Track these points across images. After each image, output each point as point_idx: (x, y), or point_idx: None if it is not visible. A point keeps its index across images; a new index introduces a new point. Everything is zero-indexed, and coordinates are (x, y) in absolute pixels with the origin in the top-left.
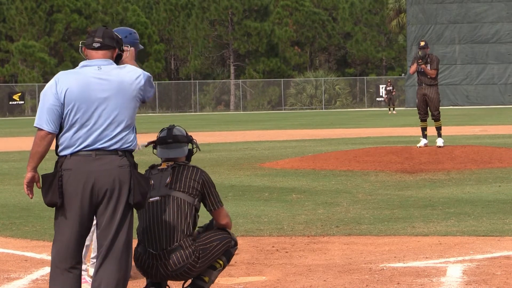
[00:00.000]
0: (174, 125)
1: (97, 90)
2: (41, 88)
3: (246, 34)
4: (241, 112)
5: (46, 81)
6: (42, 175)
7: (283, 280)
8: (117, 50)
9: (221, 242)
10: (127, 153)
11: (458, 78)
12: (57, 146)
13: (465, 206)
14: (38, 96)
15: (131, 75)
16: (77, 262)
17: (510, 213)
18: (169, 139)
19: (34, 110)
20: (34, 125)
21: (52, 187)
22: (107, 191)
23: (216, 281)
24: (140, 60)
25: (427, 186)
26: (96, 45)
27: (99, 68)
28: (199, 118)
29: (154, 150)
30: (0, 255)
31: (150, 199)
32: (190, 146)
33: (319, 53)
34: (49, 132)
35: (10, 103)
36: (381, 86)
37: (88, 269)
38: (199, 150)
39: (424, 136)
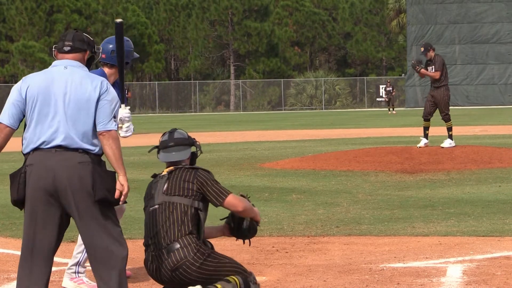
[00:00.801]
0: (175, 128)
1: (57, 88)
2: None
3: (246, 34)
4: (241, 112)
5: None
6: (9, 174)
7: (283, 280)
8: (88, 52)
9: (233, 266)
10: (89, 151)
11: (458, 78)
12: (22, 146)
13: (465, 206)
14: None
15: (93, 79)
16: (45, 257)
17: (510, 213)
18: (170, 143)
19: None
20: None
21: (14, 184)
22: (67, 187)
23: None
24: (141, 60)
25: (427, 186)
26: (66, 48)
27: (65, 68)
28: (199, 118)
29: (158, 155)
30: (0, 255)
31: (150, 208)
32: (193, 149)
33: (319, 53)
34: (7, 126)
35: None
36: (381, 86)
37: (87, 271)
38: (201, 152)
39: (425, 135)
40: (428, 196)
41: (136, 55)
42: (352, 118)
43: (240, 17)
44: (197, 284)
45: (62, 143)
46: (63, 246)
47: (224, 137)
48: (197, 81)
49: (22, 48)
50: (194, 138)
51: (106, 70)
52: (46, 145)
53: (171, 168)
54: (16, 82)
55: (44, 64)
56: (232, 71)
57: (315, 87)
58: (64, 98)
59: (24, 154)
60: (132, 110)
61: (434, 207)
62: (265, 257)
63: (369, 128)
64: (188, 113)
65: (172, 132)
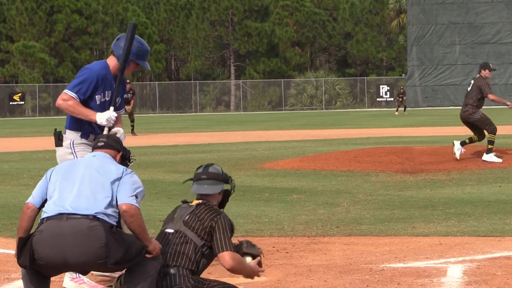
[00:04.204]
0: (212, 163)
1: (80, 167)
2: (41, 88)
3: (246, 35)
4: (242, 112)
5: (47, 81)
6: (19, 237)
7: (283, 280)
8: (121, 153)
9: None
10: (100, 219)
11: (458, 78)
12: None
13: (466, 206)
14: (39, 97)
15: (117, 164)
16: None
17: (511, 214)
18: (203, 175)
19: (34, 110)
20: None
21: (25, 249)
22: (77, 255)
23: None
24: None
25: (428, 187)
26: (100, 144)
27: (94, 156)
28: (200, 119)
29: (192, 187)
30: (0, 255)
31: (166, 230)
32: (227, 186)
33: (319, 54)
34: (29, 202)
35: (11, 103)
36: (381, 86)
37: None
38: (234, 191)
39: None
40: (429, 196)
41: (147, 66)
42: (352, 118)
43: (241, 17)
44: None
45: (73, 211)
46: None
47: (225, 137)
48: (197, 81)
49: (23, 48)
50: (229, 176)
51: (114, 62)
52: (59, 212)
53: (200, 201)
54: (16, 82)
55: (44, 64)
56: (232, 71)
57: (316, 87)
58: (85, 173)
59: (39, 223)
60: (132, 110)
61: (434, 207)
62: (265, 257)
63: (370, 128)
64: (188, 113)
65: (207, 166)
